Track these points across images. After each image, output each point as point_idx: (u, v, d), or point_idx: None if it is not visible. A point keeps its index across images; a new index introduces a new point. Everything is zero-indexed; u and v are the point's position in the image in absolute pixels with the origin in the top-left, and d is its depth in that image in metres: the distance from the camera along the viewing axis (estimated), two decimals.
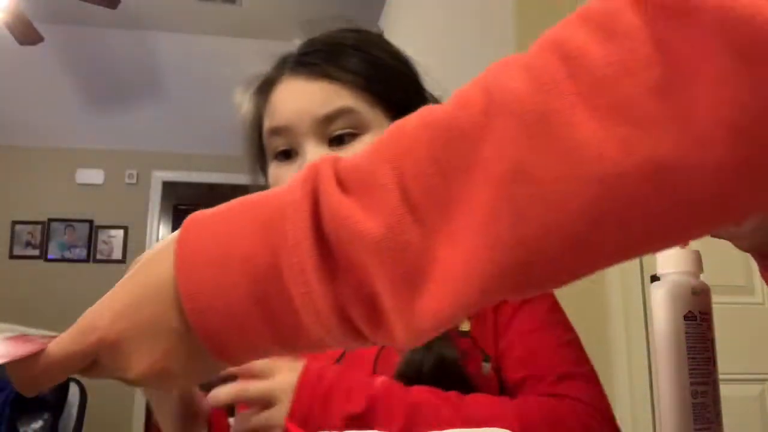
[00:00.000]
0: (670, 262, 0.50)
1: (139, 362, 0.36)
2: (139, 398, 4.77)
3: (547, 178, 0.28)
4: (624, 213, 0.27)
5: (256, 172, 0.83)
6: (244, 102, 0.82)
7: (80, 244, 4.88)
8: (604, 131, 0.27)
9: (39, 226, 4.85)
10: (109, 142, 4.97)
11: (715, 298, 0.50)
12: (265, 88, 0.79)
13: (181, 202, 5.27)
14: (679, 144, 0.26)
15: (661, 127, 0.26)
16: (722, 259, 1.79)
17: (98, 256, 4.89)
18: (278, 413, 0.61)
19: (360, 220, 0.31)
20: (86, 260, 4.87)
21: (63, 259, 4.85)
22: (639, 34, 0.27)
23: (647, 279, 1.78)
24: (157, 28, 4.23)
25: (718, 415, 0.48)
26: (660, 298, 0.50)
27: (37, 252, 4.83)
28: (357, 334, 0.34)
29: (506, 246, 0.29)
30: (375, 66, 0.76)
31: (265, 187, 0.81)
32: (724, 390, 0.50)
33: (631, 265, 1.81)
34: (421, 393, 0.63)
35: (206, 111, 4.73)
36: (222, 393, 0.61)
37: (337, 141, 0.72)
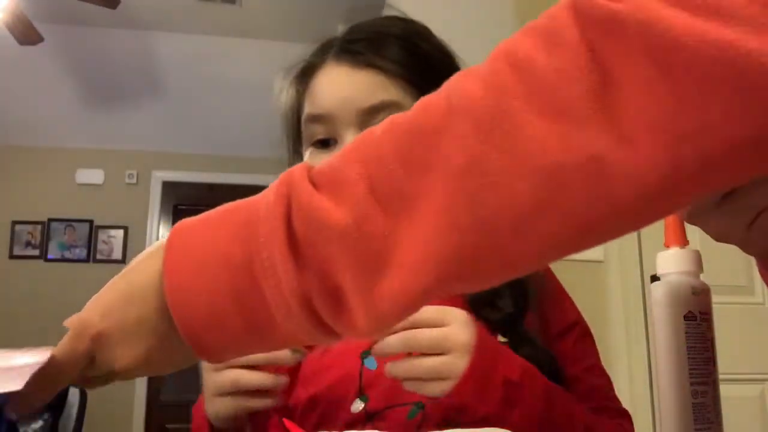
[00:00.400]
0: (670, 262, 0.50)
1: (124, 356, 0.40)
2: (139, 398, 4.77)
3: (499, 169, 0.31)
4: (563, 201, 0.31)
5: (295, 159, 0.81)
6: (284, 87, 0.80)
7: (80, 244, 4.88)
8: (547, 128, 0.31)
9: (39, 226, 4.85)
10: (109, 142, 4.97)
11: (715, 298, 0.50)
12: (306, 73, 0.77)
13: (181, 202, 5.27)
14: (609, 141, 0.29)
15: (595, 126, 0.30)
16: (722, 259, 1.79)
17: (98, 256, 4.89)
18: (459, 362, 0.58)
19: (328, 209, 0.34)
20: (86, 260, 4.87)
21: (63, 259, 4.85)
22: (577, 46, 0.31)
23: (647, 279, 1.78)
24: (157, 28, 4.23)
25: (718, 415, 0.48)
26: (660, 298, 0.49)
27: (37, 252, 4.83)
28: (323, 326, 0.36)
29: (461, 229, 0.32)
30: (421, 58, 0.74)
31: None
32: (724, 390, 0.50)
33: (631, 265, 1.81)
34: (552, 383, 0.65)
35: (206, 111, 4.73)
36: (392, 342, 0.59)
37: None
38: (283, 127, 0.81)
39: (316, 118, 0.73)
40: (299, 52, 0.79)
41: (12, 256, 4.80)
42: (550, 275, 0.81)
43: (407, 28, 0.76)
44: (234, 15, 4.06)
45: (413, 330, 0.59)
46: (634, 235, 1.84)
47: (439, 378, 0.59)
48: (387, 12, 0.81)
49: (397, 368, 0.60)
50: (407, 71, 0.72)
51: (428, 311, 0.60)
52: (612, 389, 0.78)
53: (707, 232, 0.45)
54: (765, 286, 1.87)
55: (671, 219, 0.51)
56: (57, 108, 4.67)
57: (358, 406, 0.69)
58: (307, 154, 0.75)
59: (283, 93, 0.79)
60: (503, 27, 1.94)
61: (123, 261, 4.90)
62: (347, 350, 0.72)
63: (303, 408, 0.73)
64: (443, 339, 0.59)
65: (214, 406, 0.64)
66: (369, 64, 0.71)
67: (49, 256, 4.84)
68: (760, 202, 0.42)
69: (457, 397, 0.59)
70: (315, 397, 0.72)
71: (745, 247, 0.45)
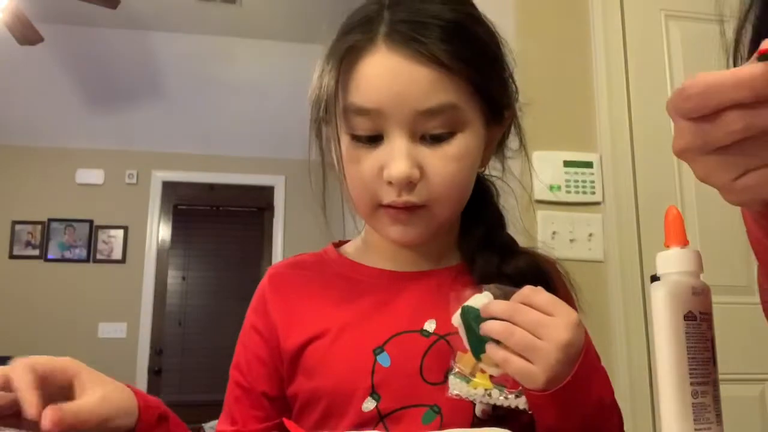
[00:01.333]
0: (670, 262, 0.50)
1: None
2: None
3: None
4: None
5: (315, 142, 0.76)
6: (325, 68, 0.71)
7: (80, 244, 4.88)
8: None
9: (39, 226, 4.85)
10: (109, 142, 4.97)
11: (715, 298, 0.50)
12: (350, 53, 0.68)
13: (181, 202, 5.27)
14: None
15: None
16: (722, 259, 1.80)
17: (98, 256, 4.89)
18: (552, 354, 0.56)
19: None
20: (86, 260, 4.87)
21: (63, 259, 4.85)
22: None
23: (647, 279, 1.78)
24: (157, 28, 4.23)
25: (718, 415, 0.48)
26: (660, 298, 0.49)
27: (37, 252, 4.83)
28: None
29: None
30: (477, 51, 0.68)
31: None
32: (724, 390, 0.50)
33: (631, 265, 1.81)
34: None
35: (206, 111, 4.73)
36: (497, 306, 0.57)
37: (432, 137, 0.66)
38: (315, 110, 0.74)
39: (363, 111, 0.66)
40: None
41: (12, 256, 4.80)
42: (571, 295, 0.79)
43: (463, 12, 0.69)
44: (234, 15, 4.06)
45: (521, 305, 0.57)
46: (634, 235, 1.84)
47: (527, 358, 0.56)
48: None
49: (492, 325, 0.57)
50: (470, 69, 0.66)
51: (542, 296, 0.58)
52: None
53: (693, 170, 0.45)
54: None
55: (671, 219, 0.51)
56: (57, 108, 4.66)
57: (369, 405, 0.67)
58: (345, 143, 0.69)
59: (325, 75, 0.70)
60: (504, 17, 1.93)
61: (123, 261, 4.90)
62: (359, 343, 0.69)
63: (304, 400, 0.70)
64: (543, 325, 0.56)
65: None
66: (429, 57, 0.64)
67: (49, 256, 4.84)
68: (751, 161, 0.42)
69: (551, 405, 0.57)
70: (319, 389, 0.69)
71: (726, 195, 0.45)
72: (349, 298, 0.74)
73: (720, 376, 0.50)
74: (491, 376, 0.60)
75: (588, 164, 1.87)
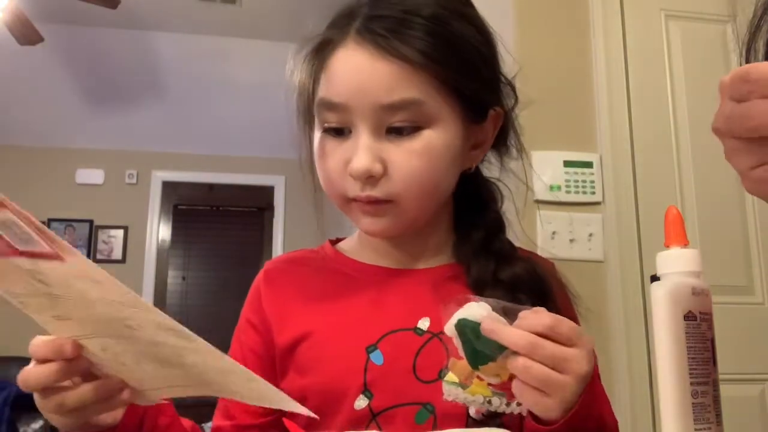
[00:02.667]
0: (670, 262, 0.50)
1: None
2: None
3: None
4: None
5: (304, 138, 0.76)
6: (297, 63, 0.73)
7: (80, 244, 4.88)
8: None
9: None
10: (109, 142, 4.97)
11: (715, 298, 0.50)
12: (323, 48, 0.69)
13: (181, 202, 5.27)
14: None
15: None
16: (722, 259, 1.80)
17: (98, 256, 4.89)
18: (572, 387, 0.54)
19: None
20: None
21: None
22: None
23: (647, 279, 1.78)
24: (157, 28, 4.23)
25: (718, 415, 0.48)
26: (660, 298, 0.49)
27: None
28: None
29: None
30: (453, 48, 0.67)
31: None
32: (724, 390, 0.50)
33: (631, 265, 1.81)
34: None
35: (206, 111, 4.73)
36: (516, 338, 0.54)
37: (396, 131, 0.66)
38: (296, 104, 0.75)
39: (330, 106, 0.67)
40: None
41: None
42: (569, 298, 0.79)
43: (441, 6, 0.68)
44: (234, 15, 4.06)
45: (540, 339, 0.54)
46: (634, 235, 1.84)
47: (544, 392, 0.54)
48: None
49: (516, 362, 0.54)
50: (437, 65, 0.65)
51: (567, 327, 0.55)
52: None
53: (724, 145, 0.47)
54: (765, 285, 1.87)
55: (671, 219, 0.51)
56: (57, 108, 4.67)
57: (361, 403, 0.66)
58: (320, 137, 0.70)
59: (297, 70, 0.73)
60: (504, 17, 1.94)
61: (123, 261, 4.90)
62: (352, 341, 0.69)
63: (296, 397, 0.67)
64: (566, 360, 0.54)
65: (53, 420, 0.59)
66: (394, 53, 0.64)
67: None
68: (764, 157, 0.43)
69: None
70: (311, 387, 0.69)
71: (743, 181, 0.47)
72: (344, 294, 0.74)
73: (720, 376, 0.50)
74: (490, 384, 0.59)
75: (588, 164, 1.87)
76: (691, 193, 1.90)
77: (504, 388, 0.59)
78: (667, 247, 0.51)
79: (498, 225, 0.78)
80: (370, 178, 0.66)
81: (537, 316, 0.55)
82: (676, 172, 1.92)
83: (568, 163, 1.86)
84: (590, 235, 1.83)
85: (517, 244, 0.80)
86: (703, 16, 2.02)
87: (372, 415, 0.65)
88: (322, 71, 0.69)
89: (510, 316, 0.57)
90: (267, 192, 5.18)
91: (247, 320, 0.78)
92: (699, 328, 0.49)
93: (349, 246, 0.81)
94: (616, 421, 0.66)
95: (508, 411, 0.59)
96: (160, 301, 5.00)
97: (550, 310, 0.66)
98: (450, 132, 0.68)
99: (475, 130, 0.73)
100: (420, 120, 0.66)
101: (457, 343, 0.57)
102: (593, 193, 1.86)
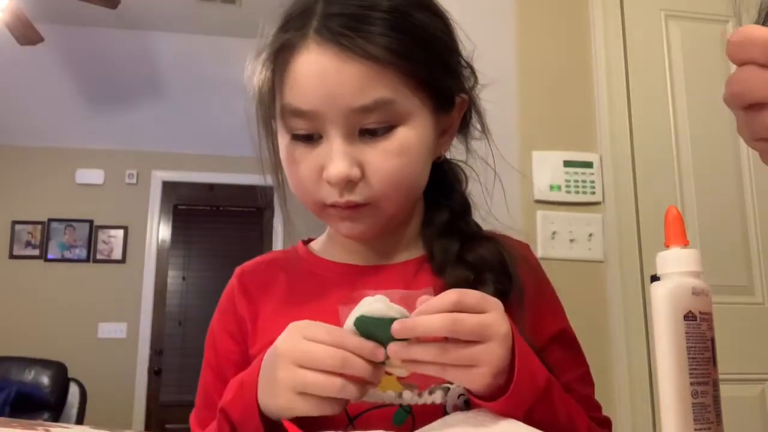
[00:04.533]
0: (670, 262, 0.50)
1: None
2: (139, 398, 4.77)
3: None
4: None
5: (264, 142, 0.75)
6: (256, 68, 0.71)
7: (80, 244, 4.88)
8: None
9: (39, 226, 4.85)
10: (109, 142, 4.97)
11: (715, 298, 0.50)
12: (283, 51, 0.66)
13: (181, 202, 5.27)
14: None
15: None
16: (722, 259, 1.80)
17: (98, 256, 4.89)
18: (498, 351, 0.54)
19: None
20: (86, 260, 4.87)
21: (63, 259, 4.85)
22: None
23: (647, 279, 1.78)
24: (157, 28, 4.23)
25: (718, 415, 0.48)
26: (660, 298, 0.49)
27: (37, 252, 4.83)
28: None
29: None
30: (417, 41, 0.65)
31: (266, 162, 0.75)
32: (724, 390, 0.50)
33: (631, 265, 1.81)
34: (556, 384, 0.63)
35: (206, 111, 4.73)
36: (435, 324, 0.52)
37: (369, 132, 0.65)
38: (256, 109, 0.73)
39: (297, 113, 0.65)
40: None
41: (12, 256, 4.80)
42: (546, 280, 0.79)
43: None
44: (234, 15, 4.06)
45: (458, 314, 0.53)
46: (634, 235, 1.84)
47: (472, 365, 0.54)
48: None
49: (426, 351, 0.53)
50: (404, 61, 0.63)
51: (472, 296, 0.55)
52: (594, 396, 0.76)
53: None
54: (765, 285, 1.87)
55: (671, 219, 0.51)
56: (57, 108, 4.67)
57: None
58: (284, 143, 0.69)
59: (256, 75, 0.70)
60: (504, 17, 1.94)
61: (123, 261, 4.90)
62: None
63: None
64: (486, 326, 0.54)
65: (292, 402, 0.56)
66: (359, 53, 0.62)
67: (49, 256, 4.84)
68: (762, 132, 0.44)
69: (513, 399, 0.55)
70: None
71: (755, 147, 0.47)
72: (314, 295, 0.73)
73: (720, 376, 0.50)
74: (398, 378, 0.58)
75: (588, 164, 1.87)
76: (691, 193, 1.90)
77: (412, 380, 0.58)
78: (667, 247, 0.51)
79: (463, 206, 0.77)
80: (348, 183, 0.65)
81: (441, 297, 0.54)
82: (676, 172, 1.92)
83: (568, 163, 1.86)
84: (590, 235, 1.83)
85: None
86: (703, 16, 2.02)
87: (349, 419, 0.63)
88: (285, 76, 0.66)
89: (408, 303, 0.56)
90: (267, 192, 5.17)
91: (222, 328, 0.76)
92: (699, 328, 0.49)
93: (320, 245, 0.80)
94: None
95: (420, 402, 0.58)
96: (160, 301, 5.00)
97: (513, 290, 0.67)
98: (423, 126, 0.67)
99: (444, 119, 0.72)
100: (393, 119, 0.65)
101: None
102: (593, 193, 1.86)
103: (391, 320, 0.53)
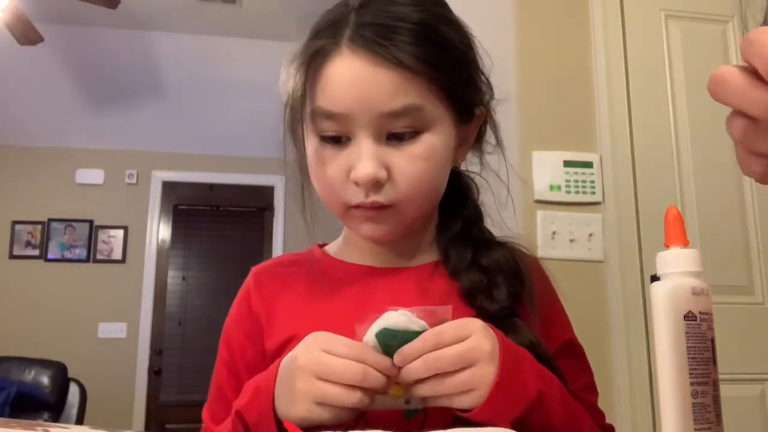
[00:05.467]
0: (670, 262, 0.50)
1: None
2: (139, 398, 4.77)
3: None
4: None
5: (294, 143, 0.76)
6: (291, 73, 0.72)
7: (80, 244, 4.88)
8: None
9: (39, 226, 4.85)
10: (109, 142, 4.97)
11: (715, 298, 0.50)
12: (316, 57, 0.69)
13: (181, 202, 5.26)
14: None
15: None
16: (722, 259, 1.80)
17: (98, 256, 4.89)
18: (487, 371, 0.57)
19: None
20: (86, 260, 4.87)
21: (63, 259, 4.85)
22: None
23: (647, 279, 1.78)
24: (157, 28, 4.23)
25: (718, 415, 0.48)
26: (660, 298, 0.49)
27: (37, 252, 4.83)
28: None
29: None
30: (443, 52, 0.69)
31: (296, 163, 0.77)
32: (724, 390, 0.50)
33: (631, 265, 1.81)
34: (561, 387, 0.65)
35: (206, 111, 4.73)
36: (418, 368, 0.57)
37: (396, 137, 0.68)
38: (286, 114, 0.75)
39: (329, 115, 0.68)
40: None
41: (12, 256, 4.80)
42: (555, 293, 0.81)
43: (427, 11, 0.69)
44: (234, 15, 4.06)
45: (436, 352, 0.57)
46: (634, 235, 1.84)
47: (469, 390, 0.57)
48: None
49: (423, 389, 0.58)
50: (433, 70, 0.67)
51: (448, 328, 0.58)
52: (597, 405, 0.79)
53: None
54: (765, 285, 1.87)
55: (671, 219, 0.51)
56: (57, 108, 4.67)
57: None
58: (313, 145, 0.71)
59: (290, 80, 0.72)
60: (504, 17, 1.94)
61: (123, 261, 4.90)
62: None
63: None
64: (468, 352, 0.57)
65: (310, 412, 0.59)
66: (392, 60, 0.65)
67: (49, 256, 4.84)
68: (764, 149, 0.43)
69: (491, 407, 0.57)
70: None
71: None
72: (329, 295, 0.75)
73: (720, 376, 0.50)
74: (406, 384, 0.60)
75: (588, 164, 1.87)
76: (691, 193, 1.90)
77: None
78: (667, 247, 0.51)
79: (476, 214, 0.80)
80: (374, 184, 0.67)
81: (418, 341, 0.58)
82: (676, 172, 1.92)
83: (568, 163, 1.86)
84: (590, 235, 1.83)
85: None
86: (703, 16, 2.03)
87: (361, 414, 0.65)
88: (317, 80, 0.69)
89: (429, 318, 0.59)
90: (267, 192, 5.18)
91: (237, 326, 0.78)
92: (699, 328, 0.49)
93: (336, 248, 0.82)
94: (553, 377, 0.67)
95: (426, 405, 0.61)
96: (160, 301, 5.00)
97: (525, 295, 0.71)
98: (446, 134, 0.71)
99: (464, 129, 0.75)
100: (420, 124, 0.68)
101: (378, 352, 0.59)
102: (593, 193, 1.86)
103: (413, 333, 0.58)
